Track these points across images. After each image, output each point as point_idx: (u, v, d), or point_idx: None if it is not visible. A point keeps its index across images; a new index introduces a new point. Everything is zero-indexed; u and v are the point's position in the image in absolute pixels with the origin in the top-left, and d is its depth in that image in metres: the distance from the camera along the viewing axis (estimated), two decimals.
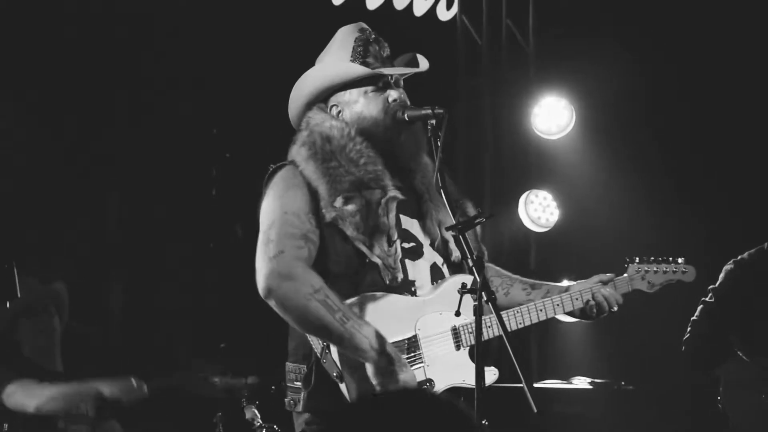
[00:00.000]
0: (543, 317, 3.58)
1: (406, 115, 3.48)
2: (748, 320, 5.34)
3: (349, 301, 3.30)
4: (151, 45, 6.04)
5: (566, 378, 6.37)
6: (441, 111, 3.41)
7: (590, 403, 6.13)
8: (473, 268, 3.16)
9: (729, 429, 5.34)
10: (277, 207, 3.38)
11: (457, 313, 3.23)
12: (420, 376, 3.32)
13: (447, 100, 3.61)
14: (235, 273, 5.81)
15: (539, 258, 7.49)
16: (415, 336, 3.37)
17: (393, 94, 3.54)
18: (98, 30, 5.97)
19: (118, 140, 6.06)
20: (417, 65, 3.62)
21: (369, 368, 3.24)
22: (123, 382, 4.81)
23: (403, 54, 3.64)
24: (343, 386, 3.24)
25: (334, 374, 3.25)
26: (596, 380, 6.22)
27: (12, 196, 5.63)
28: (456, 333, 3.40)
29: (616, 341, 6.84)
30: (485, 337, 3.35)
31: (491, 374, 3.39)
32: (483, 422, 3.21)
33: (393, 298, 3.35)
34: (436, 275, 3.47)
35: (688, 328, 5.45)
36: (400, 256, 3.42)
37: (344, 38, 3.60)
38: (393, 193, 3.43)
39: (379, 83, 3.54)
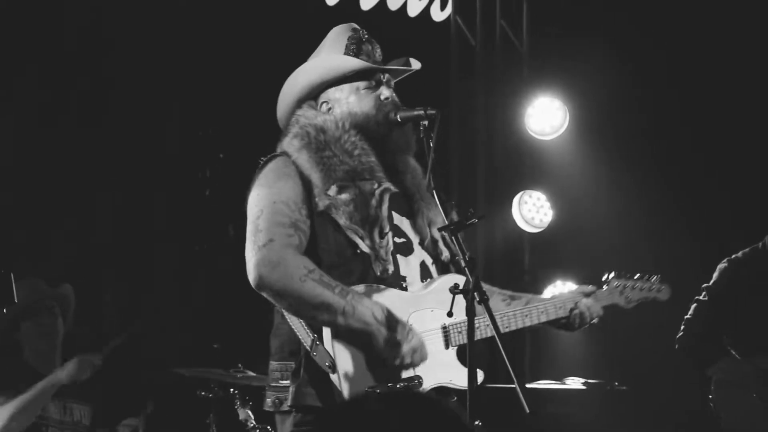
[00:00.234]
0: (528, 323, 3.56)
1: (398, 116, 3.47)
2: (741, 319, 5.35)
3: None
4: (145, 45, 6.03)
5: (559, 378, 6.37)
6: (433, 112, 3.40)
7: (584, 403, 6.14)
8: (466, 268, 3.16)
9: (721, 428, 5.35)
10: (266, 196, 3.35)
11: (450, 314, 3.23)
12: (409, 372, 3.31)
13: (440, 101, 3.61)
14: (228, 274, 5.81)
15: (533, 258, 7.50)
16: None
17: (385, 92, 3.53)
18: (89, 30, 5.97)
19: (110, 140, 6.05)
20: (409, 66, 3.63)
21: (374, 340, 3.22)
22: (73, 363, 4.83)
23: (394, 56, 3.64)
24: (334, 377, 3.21)
25: (327, 364, 3.21)
26: (590, 381, 6.22)
27: (8, 200, 5.64)
28: (446, 331, 3.40)
29: (610, 342, 6.84)
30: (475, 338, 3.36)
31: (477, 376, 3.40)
32: (476, 423, 3.20)
33: (388, 290, 3.34)
34: (425, 274, 3.47)
35: (682, 327, 5.46)
36: (392, 249, 3.41)
37: (336, 37, 3.60)
38: (387, 185, 3.43)
39: (372, 81, 3.54)
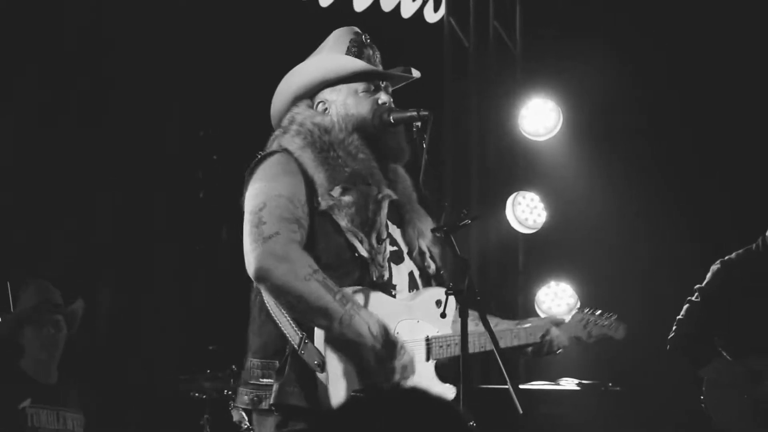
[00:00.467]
0: (502, 345, 3.50)
1: (391, 117, 3.47)
2: (733, 320, 5.36)
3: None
4: (140, 46, 6.03)
5: (553, 379, 6.37)
6: (426, 113, 3.41)
7: (577, 404, 6.14)
8: (459, 270, 3.18)
9: (712, 429, 5.35)
10: (269, 189, 3.31)
11: (443, 315, 3.24)
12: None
13: (434, 102, 3.61)
14: (222, 275, 5.81)
15: (527, 259, 7.50)
16: None
17: (383, 97, 3.52)
18: (86, 30, 5.97)
19: (105, 142, 6.04)
20: (410, 74, 3.62)
21: (366, 353, 3.22)
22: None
23: (388, 57, 3.63)
24: (323, 376, 3.20)
25: (315, 362, 3.20)
26: (583, 381, 6.22)
27: (8, 200, 5.64)
28: (429, 344, 3.41)
29: (604, 342, 6.84)
30: (450, 353, 3.39)
31: (449, 392, 3.40)
32: (471, 424, 3.21)
33: (381, 296, 3.34)
34: (413, 284, 3.48)
35: (674, 327, 5.46)
36: (388, 256, 3.41)
37: (338, 38, 3.58)
38: (387, 191, 3.43)
39: (371, 85, 3.52)
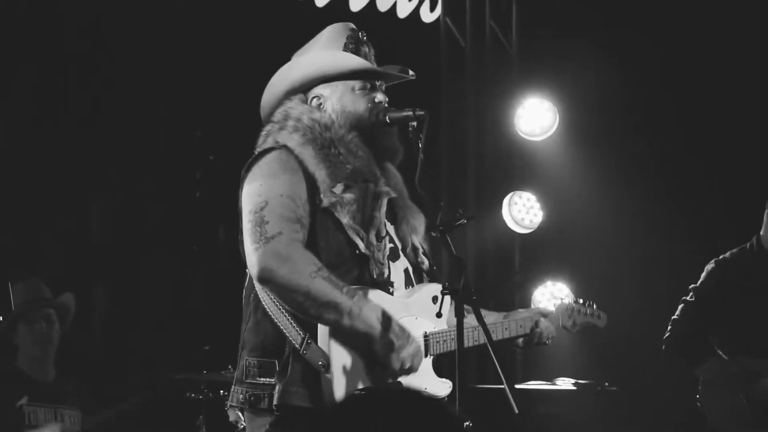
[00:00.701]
0: (493, 338, 3.49)
1: (387, 117, 3.45)
2: (728, 320, 5.36)
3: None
4: (137, 46, 6.03)
5: (550, 379, 6.38)
6: (422, 113, 3.39)
7: (574, 404, 6.14)
8: (456, 268, 3.18)
9: (707, 429, 5.36)
10: (270, 188, 3.28)
11: (439, 314, 3.24)
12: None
13: (430, 102, 3.61)
14: (218, 275, 5.82)
15: (523, 259, 7.51)
16: None
17: (379, 96, 3.51)
18: (82, 30, 5.97)
19: (101, 142, 6.04)
20: (407, 73, 3.61)
21: (375, 343, 3.22)
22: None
23: (384, 57, 3.63)
24: (328, 376, 3.18)
25: (320, 363, 3.18)
26: (580, 381, 6.23)
27: (3, 201, 5.64)
28: (426, 340, 3.41)
29: (600, 342, 6.85)
30: (448, 348, 3.40)
31: (446, 386, 3.42)
32: (467, 424, 3.21)
33: (381, 294, 3.34)
34: (408, 281, 3.48)
35: (669, 327, 5.47)
36: (388, 253, 3.41)
37: (333, 34, 3.55)
38: (386, 189, 3.43)
39: (367, 83, 3.50)
